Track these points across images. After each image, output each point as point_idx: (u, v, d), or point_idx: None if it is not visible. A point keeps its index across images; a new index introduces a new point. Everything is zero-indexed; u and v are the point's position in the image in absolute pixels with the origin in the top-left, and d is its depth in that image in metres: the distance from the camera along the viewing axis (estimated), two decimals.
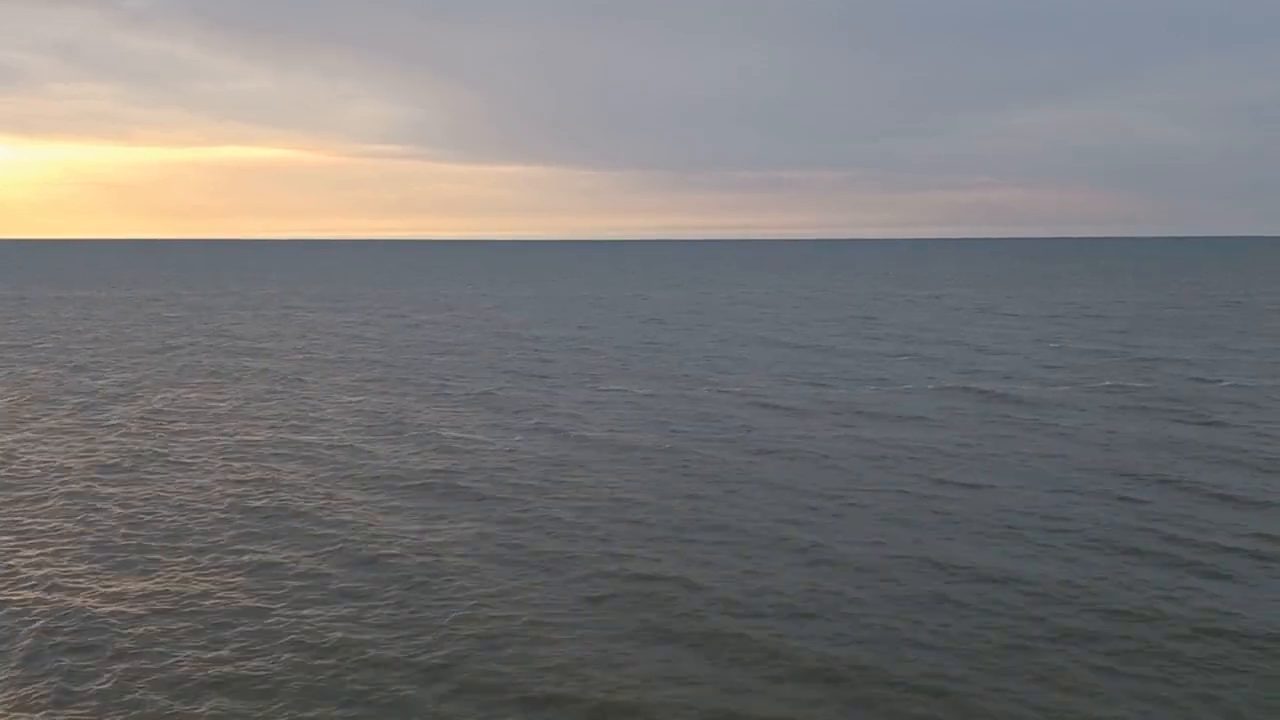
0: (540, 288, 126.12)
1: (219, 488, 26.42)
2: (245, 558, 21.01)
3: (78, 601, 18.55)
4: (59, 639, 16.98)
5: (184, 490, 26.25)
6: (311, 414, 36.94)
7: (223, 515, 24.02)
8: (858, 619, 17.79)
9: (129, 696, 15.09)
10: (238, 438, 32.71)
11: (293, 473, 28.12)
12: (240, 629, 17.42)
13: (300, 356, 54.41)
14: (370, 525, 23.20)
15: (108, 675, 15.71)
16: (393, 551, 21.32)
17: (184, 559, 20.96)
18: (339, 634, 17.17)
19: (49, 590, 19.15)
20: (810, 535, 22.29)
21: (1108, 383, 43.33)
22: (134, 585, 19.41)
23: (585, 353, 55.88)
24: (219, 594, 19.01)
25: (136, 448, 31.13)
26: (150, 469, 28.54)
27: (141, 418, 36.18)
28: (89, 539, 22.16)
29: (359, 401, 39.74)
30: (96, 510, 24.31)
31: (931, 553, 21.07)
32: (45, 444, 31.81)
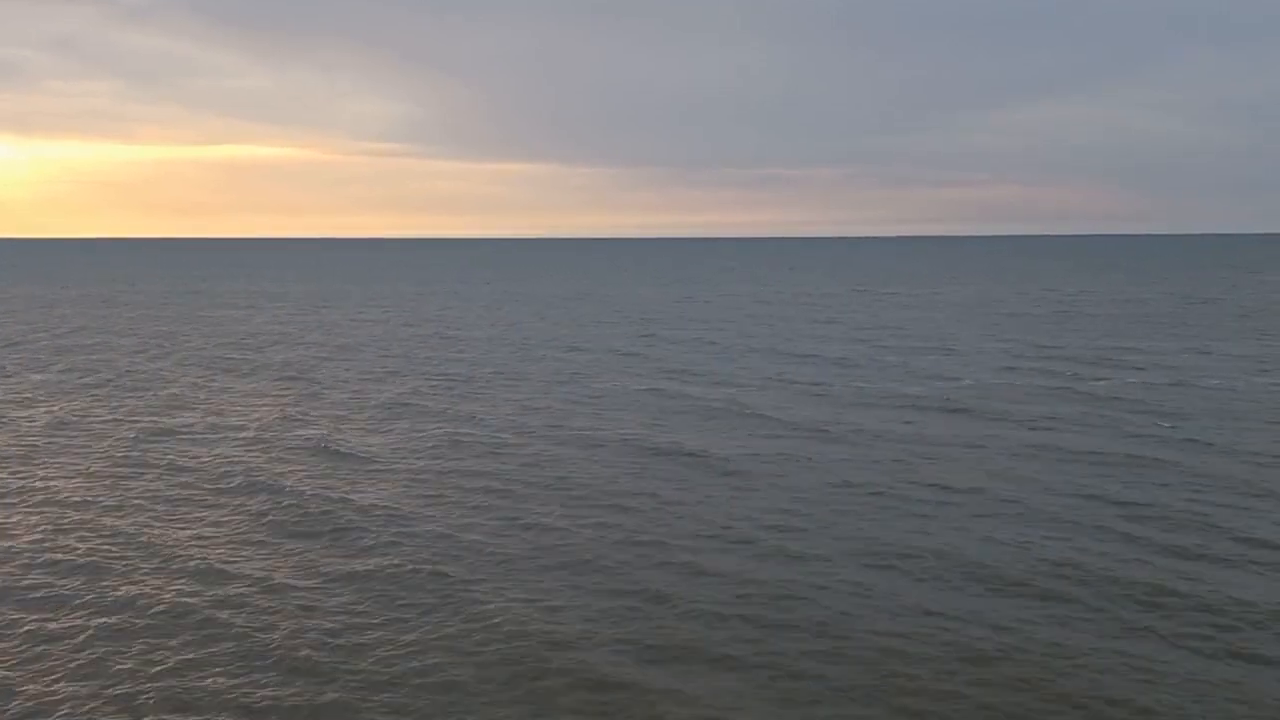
0: (525, 286, 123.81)
1: (47, 520, 24.43)
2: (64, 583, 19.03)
3: None
4: None
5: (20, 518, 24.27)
6: (187, 421, 34.98)
7: (51, 554, 22.05)
8: (764, 670, 15.64)
9: None
10: (91, 451, 30.76)
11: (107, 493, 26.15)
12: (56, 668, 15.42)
13: (207, 363, 52.50)
14: (227, 552, 21.20)
15: None
16: (248, 588, 19.32)
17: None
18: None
19: None
20: (734, 565, 20.13)
21: (1069, 387, 41.26)
22: None
23: (531, 358, 53.90)
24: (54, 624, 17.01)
25: None
26: None
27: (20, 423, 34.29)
28: None
29: (258, 411, 37.78)
30: None
31: (883, 596, 18.54)
32: None
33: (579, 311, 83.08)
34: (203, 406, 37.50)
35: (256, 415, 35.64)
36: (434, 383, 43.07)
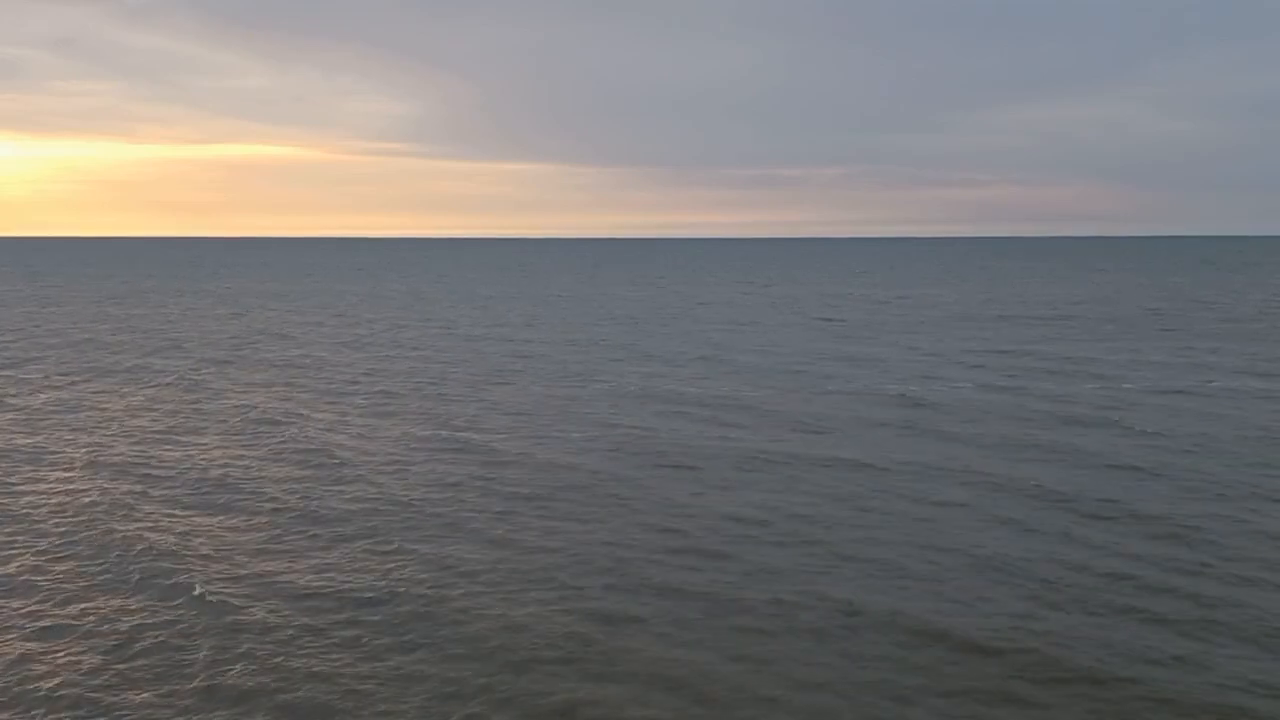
0: (518, 286, 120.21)
1: None
2: None
3: None
4: None
5: None
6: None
7: None
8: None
9: None
10: None
11: None
12: None
13: (110, 368, 49.54)
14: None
15: None
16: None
17: None
18: None
19: None
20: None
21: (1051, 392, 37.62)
22: None
23: (460, 362, 50.72)
24: None
25: None
26: None
27: None
28: None
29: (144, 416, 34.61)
30: None
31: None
32: None
33: (546, 313, 79.68)
34: (75, 414, 34.31)
35: (118, 421, 32.40)
36: (341, 389, 39.85)
